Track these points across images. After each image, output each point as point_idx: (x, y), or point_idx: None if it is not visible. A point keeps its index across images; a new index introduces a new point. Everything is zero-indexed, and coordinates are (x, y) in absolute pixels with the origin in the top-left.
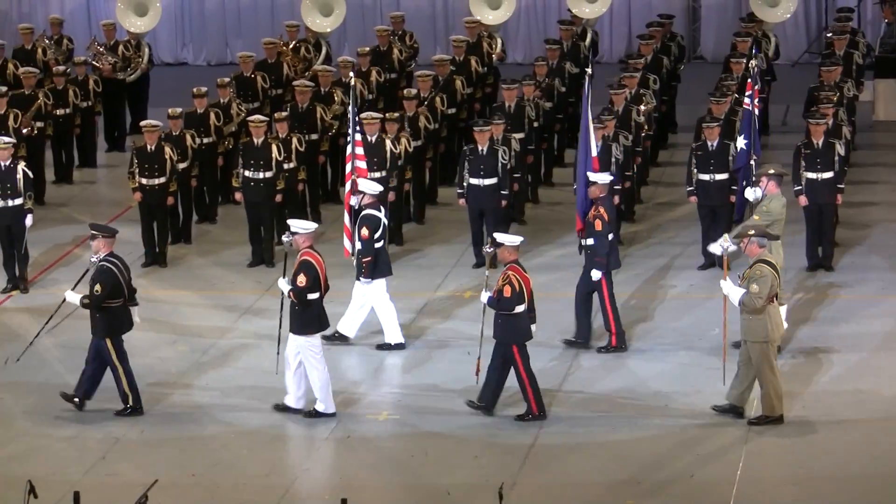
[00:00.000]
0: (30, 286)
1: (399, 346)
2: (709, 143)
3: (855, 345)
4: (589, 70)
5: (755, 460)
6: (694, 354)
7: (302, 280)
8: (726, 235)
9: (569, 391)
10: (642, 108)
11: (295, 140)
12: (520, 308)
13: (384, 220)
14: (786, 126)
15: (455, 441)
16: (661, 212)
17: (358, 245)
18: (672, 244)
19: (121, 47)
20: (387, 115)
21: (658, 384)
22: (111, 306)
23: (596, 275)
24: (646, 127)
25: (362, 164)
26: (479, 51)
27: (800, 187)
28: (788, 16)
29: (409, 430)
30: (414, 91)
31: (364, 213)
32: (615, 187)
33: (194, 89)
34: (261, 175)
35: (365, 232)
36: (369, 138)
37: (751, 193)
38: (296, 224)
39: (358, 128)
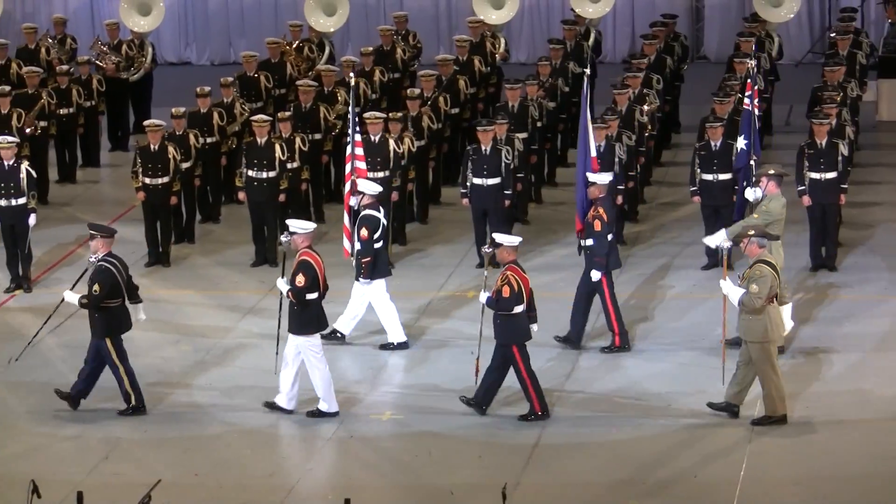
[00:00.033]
0: (33, 285)
1: (402, 346)
2: (712, 143)
3: (858, 345)
4: (587, 70)
5: (758, 460)
6: (697, 354)
7: (301, 280)
8: (724, 231)
9: (571, 391)
10: (646, 107)
11: (298, 140)
12: (518, 308)
13: (383, 221)
14: (789, 126)
15: (458, 441)
16: (664, 212)
17: (357, 245)
18: (675, 244)
19: (124, 47)
20: (390, 114)
21: (661, 384)
22: (110, 306)
23: (596, 275)
24: (649, 127)
25: (362, 165)
26: (483, 50)
27: (803, 187)
28: (792, 16)
29: (412, 430)
30: (417, 91)
31: (363, 213)
32: (619, 187)
33: (198, 89)
34: (264, 175)
35: (364, 232)
36: (373, 138)
37: (751, 194)
38: (294, 224)
39: (358, 128)
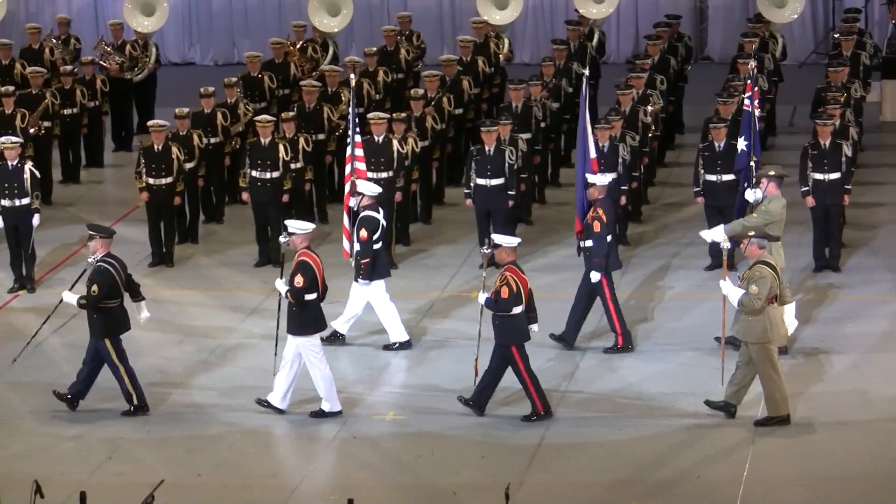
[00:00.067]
0: (37, 286)
1: (405, 345)
2: (716, 144)
3: (861, 345)
4: (586, 72)
5: (762, 461)
6: (700, 355)
7: (299, 280)
8: (722, 226)
9: (573, 391)
10: (649, 108)
11: (302, 140)
12: (517, 309)
13: (383, 222)
14: (793, 127)
15: (461, 441)
16: (668, 212)
17: (357, 246)
18: (679, 245)
19: (128, 47)
20: (394, 115)
21: (663, 384)
22: (108, 307)
23: (595, 276)
24: (653, 127)
25: (361, 166)
26: (487, 51)
27: (807, 188)
28: (796, 16)
29: (415, 431)
30: (421, 91)
31: (363, 214)
32: (622, 188)
33: (201, 89)
34: (268, 175)
35: (364, 233)
36: (376, 138)
37: (751, 195)
38: (293, 224)
39: (358, 128)
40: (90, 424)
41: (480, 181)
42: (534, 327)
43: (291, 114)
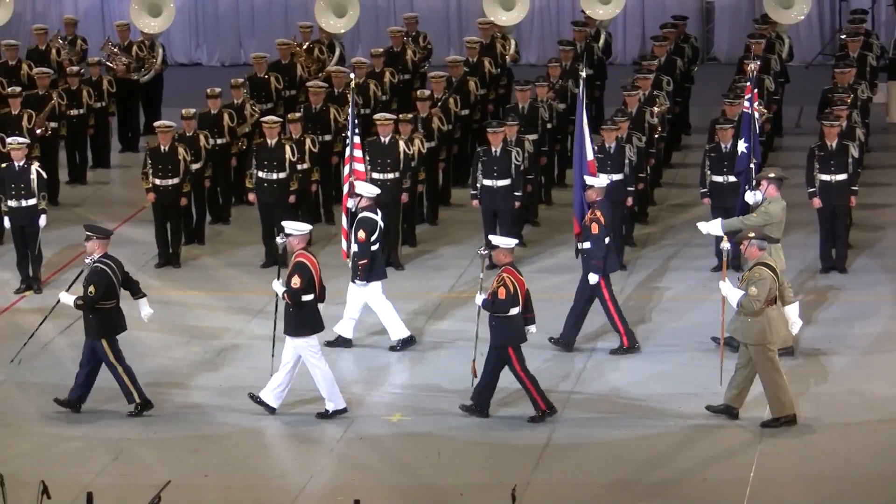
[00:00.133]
0: (43, 286)
1: (409, 341)
2: (722, 145)
3: (868, 346)
4: (583, 73)
5: (768, 461)
6: (706, 355)
7: (296, 281)
8: (720, 220)
9: (579, 391)
10: (656, 109)
11: (308, 141)
12: (514, 310)
13: (380, 224)
14: (799, 128)
15: (467, 442)
16: (674, 213)
17: (354, 247)
18: (685, 246)
19: (134, 48)
20: (400, 116)
21: (665, 385)
22: (105, 307)
23: (593, 278)
24: (659, 128)
25: (360, 167)
26: (493, 52)
27: (813, 189)
28: (802, 17)
29: (420, 432)
30: (427, 92)
31: (360, 215)
32: (629, 188)
33: (208, 90)
34: (274, 176)
35: (361, 234)
36: (383, 139)
37: (751, 197)
38: (290, 226)
39: (357, 129)
40: (95, 425)
41: (487, 182)
42: (531, 328)
43: (298, 115)
